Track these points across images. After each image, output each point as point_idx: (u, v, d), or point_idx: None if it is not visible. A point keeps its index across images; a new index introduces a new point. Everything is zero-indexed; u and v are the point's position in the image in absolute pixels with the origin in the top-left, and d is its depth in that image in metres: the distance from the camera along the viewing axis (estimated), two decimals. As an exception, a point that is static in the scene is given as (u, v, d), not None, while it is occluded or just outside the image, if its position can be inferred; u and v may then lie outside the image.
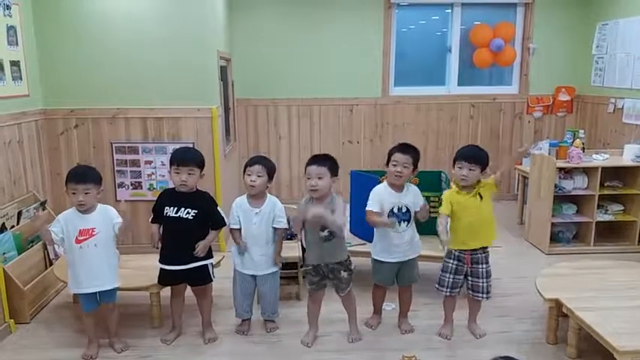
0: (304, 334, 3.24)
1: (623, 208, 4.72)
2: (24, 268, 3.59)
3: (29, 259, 3.69)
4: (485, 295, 3.16)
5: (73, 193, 2.88)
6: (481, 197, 3.04)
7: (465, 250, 3.10)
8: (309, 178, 2.96)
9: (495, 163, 3.63)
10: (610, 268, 3.54)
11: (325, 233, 2.99)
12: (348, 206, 3.93)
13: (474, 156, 3.02)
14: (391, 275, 3.27)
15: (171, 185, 3.23)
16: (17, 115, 3.96)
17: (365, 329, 3.36)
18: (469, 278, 3.16)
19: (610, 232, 4.81)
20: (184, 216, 3.06)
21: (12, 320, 3.38)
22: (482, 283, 3.14)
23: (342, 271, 3.08)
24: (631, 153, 4.62)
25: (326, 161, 2.99)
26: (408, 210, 3.15)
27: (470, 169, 3.00)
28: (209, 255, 3.18)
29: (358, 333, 3.26)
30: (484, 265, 3.13)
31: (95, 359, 3.06)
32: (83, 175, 2.92)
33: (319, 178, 2.93)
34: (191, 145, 4.29)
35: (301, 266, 3.14)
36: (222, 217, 3.18)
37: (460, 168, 3.02)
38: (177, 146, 3.78)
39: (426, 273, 3.69)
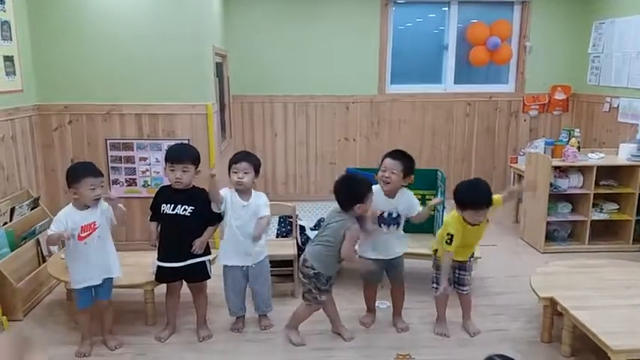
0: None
1: (617, 207, 4.73)
2: (17, 264, 3.56)
3: (22, 255, 3.66)
4: (468, 288, 3.22)
5: (92, 189, 2.85)
6: (487, 220, 3.08)
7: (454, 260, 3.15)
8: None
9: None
10: (605, 267, 3.54)
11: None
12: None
13: (487, 201, 2.95)
14: (378, 272, 3.27)
15: (166, 182, 3.21)
16: (11, 111, 3.93)
17: (359, 328, 3.35)
18: (457, 272, 3.19)
19: (605, 231, 4.82)
20: (181, 213, 3.04)
21: (4, 317, 3.35)
22: (467, 275, 3.19)
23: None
24: (626, 152, 4.63)
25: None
26: (398, 215, 3.16)
27: (483, 213, 2.98)
28: (207, 251, 3.17)
29: (348, 330, 3.25)
30: (469, 258, 3.21)
31: (88, 357, 3.04)
32: (97, 170, 2.92)
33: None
34: (186, 142, 4.28)
35: (324, 285, 3.07)
36: (219, 214, 3.17)
37: (472, 215, 2.97)
38: (172, 143, 3.76)
39: (419, 271, 3.70)
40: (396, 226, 3.18)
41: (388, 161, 3.10)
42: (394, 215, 3.15)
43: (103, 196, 2.92)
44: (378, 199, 3.11)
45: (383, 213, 3.13)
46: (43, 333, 3.32)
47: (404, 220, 3.21)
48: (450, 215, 3.08)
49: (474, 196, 2.96)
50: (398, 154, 3.13)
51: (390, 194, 3.14)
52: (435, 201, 3.29)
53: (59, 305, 3.67)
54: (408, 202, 3.18)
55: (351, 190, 2.96)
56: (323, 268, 3.00)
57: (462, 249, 3.10)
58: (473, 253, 3.24)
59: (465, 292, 3.22)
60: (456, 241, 2.99)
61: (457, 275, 3.20)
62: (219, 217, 3.17)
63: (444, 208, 3.67)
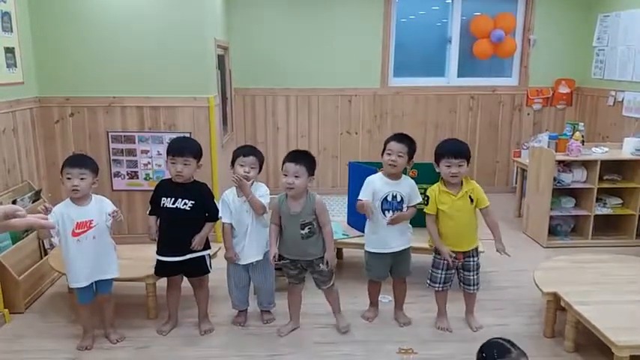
0: (284, 324, 3.23)
1: (621, 201, 4.71)
2: (18, 257, 3.56)
3: (24, 248, 3.65)
4: (475, 288, 3.18)
5: (68, 178, 2.82)
6: (472, 200, 3.03)
7: (457, 251, 3.11)
8: (285, 175, 2.92)
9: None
10: (608, 262, 3.53)
11: (305, 231, 2.97)
12: (346, 198, 3.91)
13: (462, 151, 2.98)
14: (384, 269, 3.25)
15: (167, 175, 3.19)
16: (12, 103, 3.91)
17: (362, 322, 3.35)
18: (460, 271, 3.18)
19: (608, 226, 4.80)
20: (182, 207, 3.03)
21: (6, 310, 3.35)
22: (473, 275, 3.16)
23: (320, 264, 3.04)
24: (630, 146, 4.60)
25: (304, 159, 2.93)
26: (402, 199, 3.13)
27: (459, 165, 2.97)
28: (206, 246, 3.16)
29: (346, 321, 3.24)
30: (475, 259, 3.16)
31: (90, 350, 3.04)
32: (80, 160, 2.90)
33: (296, 176, 2.89)
34: (188, 135, 4.26)
35: (277, 260, 3.07)
36: (218, 210, 3.16)
37: (448, 166, 2.97)
38: (174, 136, 3.73)
39: (421, 265, 3.68)
40: (400, 212, 3.14)
41: (394, 144, 3.09)
42: (398, 199, 3.12)
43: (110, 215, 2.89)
44: (379, 184, 3.12)
45: (387, 196, 3.11)
46: (45, 326, 3.32)
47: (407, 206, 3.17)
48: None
49: (447, 144, 3.06)
50: (403, 138, 3.14)
51: (393, 177, 3.14)
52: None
53: (61, 298, 3.67)
54: (411, 188, 3.17)
55: None
56: None
57: (456, 237, 3.06)
58: (476, 253, 3.16)
59: (470, 292, 3.21)
60: (433, 204, 3.05)
61: (462, 275, 3.18)
62: (218, 214, 3.16)
63: None
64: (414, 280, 3.46)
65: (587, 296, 2.94)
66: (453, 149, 3.01)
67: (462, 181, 3.04)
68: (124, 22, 4.26)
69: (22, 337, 3.20)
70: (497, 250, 3.11)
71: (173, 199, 3.03)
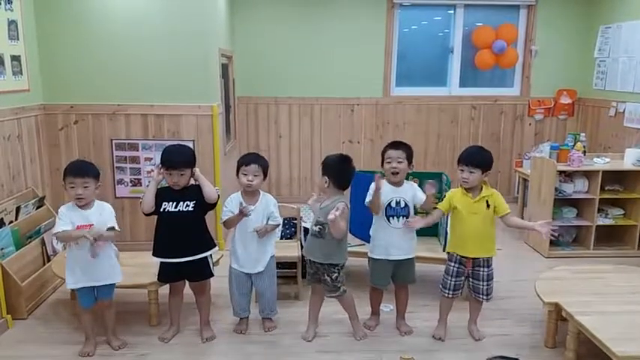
0: (305, 331, 3.26)
1: (623, 212, 4.71)
2: (22, 263, 3.57)
3: (27, 254, 3.67)
4: (485, 297, 3.17)
5: (72, 187, 2.86)
6: (488, 205, 3.05)
7: (467, 257, 3.11)
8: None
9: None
10: (610, 272, 3.53)
11: (316, 229, 3.03)
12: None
13: (473, 159, 3.04)
14: (386, 276, 3.26)
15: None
16: (17, 110, 3.94)
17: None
18: (470, 280, 3.17)
19: (610, 237, 4.81)
20: (184, 209, 3.05)
21: (9, 316, 3.37)
22: (483, 285, 3.15)
23: (325, 275, 3.10)
24: (632, 157, 4.61)
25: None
26: (406, 205, 3.16)
27: (470, 172, 3.02)
28: (210, 245, 3.16)
29: (363, 330, 3.28)
30: (485, 269, 3.13)
31: (92, 356, 3.04)
32: (82, 169, 2.92)
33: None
34: (190, 143, 4.28)
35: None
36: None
37: (462, 171, 3.06)
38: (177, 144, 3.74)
39: (424, 275, 3.69)
40: (406, 218, 3.17)
41: (392, 152, 3.15)
42: (402, 205, 3.16)
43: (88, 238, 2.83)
44: (384, 190, 3.13)
45: (391, 202, 3.14)
46: (47, 332, 3.32)
47: (413, 211, 3.20)
48: None
49: (466, 151, 3.13)
50: (398, 144, 3.20)
51: (397, 184, 3.18)
52: (430, 190, 3.08)
53: (63, 304, 3.68)
54: (412, 191, 3.20)
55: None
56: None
57: (471, 239, 3.06)
58: (487, 263, 3.13)
59: (480, 299, 3.19)
60: (446, 203, 3.11)
61: (471, 283, 3.17)
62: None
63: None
64: (418, 289, 3.47)
65: (589, 306, 2.94)
66: (466, 156, 3.08)
67: (481, 187, 3.08)
68: (129, 30, 4.30)
69: (24, 342, 3.20)
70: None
71: (175, 202, 3.06)
